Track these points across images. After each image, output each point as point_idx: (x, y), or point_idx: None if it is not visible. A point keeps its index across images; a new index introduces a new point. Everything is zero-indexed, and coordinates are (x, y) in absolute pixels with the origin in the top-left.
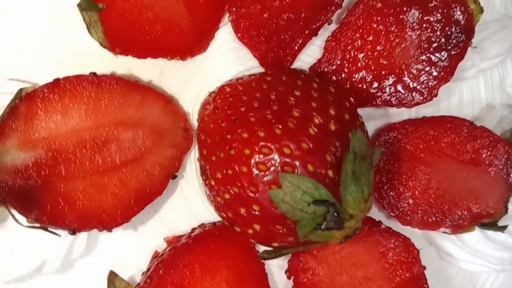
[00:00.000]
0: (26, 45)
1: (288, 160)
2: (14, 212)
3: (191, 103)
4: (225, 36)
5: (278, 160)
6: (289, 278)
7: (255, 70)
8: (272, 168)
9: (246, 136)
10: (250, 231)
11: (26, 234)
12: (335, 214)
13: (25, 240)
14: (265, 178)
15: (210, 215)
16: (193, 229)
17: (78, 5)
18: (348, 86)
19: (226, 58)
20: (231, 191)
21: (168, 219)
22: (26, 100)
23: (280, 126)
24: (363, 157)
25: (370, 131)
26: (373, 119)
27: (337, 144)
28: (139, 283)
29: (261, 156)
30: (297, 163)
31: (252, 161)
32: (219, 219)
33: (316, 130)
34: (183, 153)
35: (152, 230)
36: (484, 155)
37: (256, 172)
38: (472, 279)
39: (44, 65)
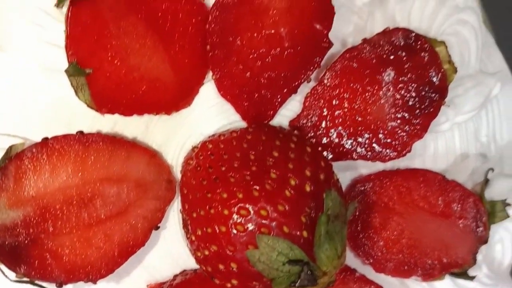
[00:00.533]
0: (16, 99)
1: (264, 222)
2: (3, 266)
3: (175, 156)
4: (209, 91)
5: (255, 222)
6: None
7: (238, 124)
8: (249, 229)
9: (225, 196)
10: (229, 285)
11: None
12: (309, 272)
13: None
14: (243, 239)
15: (191, 262)
16: (175, 276)
17: (66, 71)
18: (325, 141)
19: (210, 113)
20: (211, 249)
21: (151, 267)
22: (15, 160)
23: (257, 188)
24: (337, 216)
25: (346, 181)
26: (349, 169)
27: (312, 205)
28: None
29: (239, 217)
30: (273, 224)
31: (231, 221)
32: None
33: (292, 192)
34: (166, 204)
35: (135, 278)
36: (454, 208)
37: (234, 232)
38: None
39: (32, 119)
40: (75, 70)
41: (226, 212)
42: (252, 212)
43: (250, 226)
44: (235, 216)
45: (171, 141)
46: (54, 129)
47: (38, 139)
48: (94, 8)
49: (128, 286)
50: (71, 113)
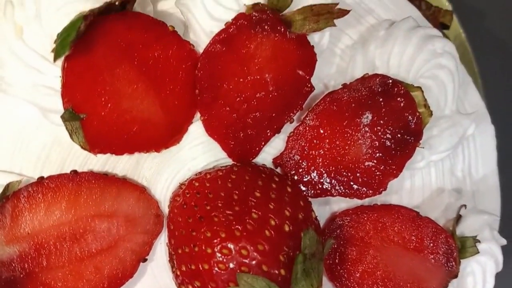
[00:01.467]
0: (14, 138)
1: (245, 261)
2: None
3: (163, 191)
4: (197, 130)
5: (236, 261)
6: None
7: (224, 161)
8: (230, 267)
9: (209, 235)
10: None
11: None
12: None
13: None
14: (224, 277)
15: None
16: None
17: (62, 117)
18: (306, 179)
19: (198, 150)
20: (194, 284)
21: None
22: (13, 199)
23: (239, 228)
24: (313, 254)
25: (326, 214)
26: (329, 203)
27: (290, 244)
28: None
29: (221, 256)
30: (253, 263)
31: (213, 260)
32: None
33: (272, 232)
34: (154, 238)
35: None
36: (427, 244)
37: (216, 270)
38: None
39: (29, 157)
40: (70, 116)
41: (209, 250)
42: (233, 251)
43: (231, 265)
44: (217, 255)
45: (160, 177)
46: (49, 166)
47: (34, 175)
48: (88, 58)
49: None
50: (65, 152)
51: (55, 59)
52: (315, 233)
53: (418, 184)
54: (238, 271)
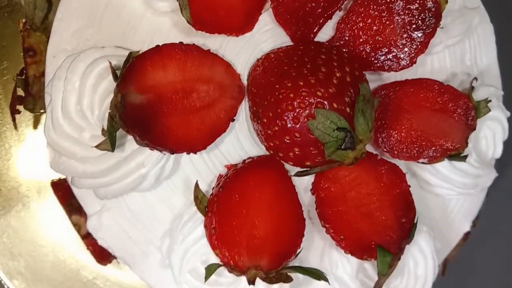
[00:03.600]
0: (124, 25)
1: (320, 100)
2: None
3: (243, 68)
4: (265, 19)
5: (313, 100)
6: (312, 194)
7: (287, 44)
8: (309, 105)
9: (290, 85)
10: (291, 154)
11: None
12: (351, 137)
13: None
14: (304, 113)
15: (255, 151)
16: (244, 160)
17: None
18: (353, 55)
19: (267, 35)
20: (280, 124)
21: (226, 152)
22: (138, 60)
23: (313, 78)
24: (369, 100)
25: (371, 88)
26: (370, 82)
27: (351, 90)
28: (212, 193)
29: (302, 98)
30: (326, 102)
31: (295, 102)
32: (263, 153)
33: (337, 80)
34: (239, 103)
35: (214, 160)
36: (449, 105)
37: (298, 109)
38: (444, 204)
39: (136, 39)
40: None
41: (292, 95)
42: (310, 94)
43: (310, 104)
44: (298, 98)
45: (239, 57)
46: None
47: None
48: None
49: (210, 165)
50: (164, 36)
51: None
52: (367, 86)
53: (436, 67)
54: (315, 107)
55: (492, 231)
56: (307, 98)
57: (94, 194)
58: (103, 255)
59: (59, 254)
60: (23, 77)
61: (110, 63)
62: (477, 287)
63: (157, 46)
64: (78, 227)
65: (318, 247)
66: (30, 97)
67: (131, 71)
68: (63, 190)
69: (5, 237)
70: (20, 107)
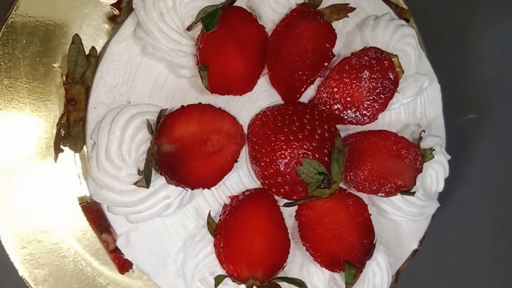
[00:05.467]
0: (152, 84)
1: (305, 151)
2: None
3: (244, 120)
4: (262, 82)
5: (301, 152)
6: (296, 219)
7: (279, 102)
8: (297, 155)
9: (283, 138)
10: (282, 190)
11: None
12: (328, 180)
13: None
14: (294, 161)
15: (252, 185)
16: (244, 192)
17: (199, 67)
18: (329, 111)
19: (264, 95)
20: (274, 168)
21: (229, 186)
22: (169, 117)
23: (301, 134)
24: (341, 151)
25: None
26: (342, 131)
27: (329, 143)
28: (219, 219)
29: (292, 149)
30: (310, 153)
31: (287, 152)
32: (258, 187)
33: (318, 136)
34: (241, 148)
35: (220, 192)
36: (402, 152)
37: (289, 157)
38: (397, 227)
39: (161, 96)
40: (203, 67)
41: (284, 147)
42: (299, 147)
43: (298, 154)
44: (289, 149)
45: (242, 111)
46: (174, 103)
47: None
48: (214, 34)
49: (217, 195)
50: (184, 94)
51: (207, 31)
52: (341, 139)
53: (393, 119)
54: (302, 157)
55: (436, 248)
56: (296, 150)
57: (126, 219)
58: (124, 266)
59: (79, 263)
60: (64, 121)
61: (148, 120)
62: None
63: (182, 106)
64: (106, 243)
65: (298, 261)
66: (70, 137)
67: (163, 126)
68: (93, 213)
69: (32, 249)
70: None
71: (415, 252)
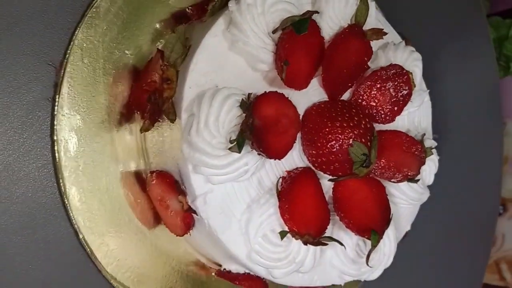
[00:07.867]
0: (233, 74)
1: (356, 136)
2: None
3: (300, 110)
4: (313, 82)
5: (352, 135)
6: (332, 195)
7: (325, 99)
8: (349, 138)
9: (338, 125)
10: (332, 167)
11: None
12: (369, 160)
13: None
14: (346, 143)
15: (301, 164)
16: (296, 168)
17: (284, 62)
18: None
19: (314, 92)
20: (330, 147)
21: (285, 163)
22: (257, 100)
23: (352, 123)
24: (376, 139)
25: None
26: None
27: (370, 133)
28: (282, 187)
29: (345, 134)
30: (358, 138)
31: (342, 135)
32: (306, 165)
33: (363, 125)
34: (297, 132)
35: (278, 168)
36: (411, 148)
37: (342, 140)
38: (398, 210)
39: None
40: (286, 63)
41: (340, 131)
42: (351, 132)
43: (350, 137)
44: (342, 134)
45: (299, 102)
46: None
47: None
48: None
49: (275, 169)
50: (259, 85)
51: (299, 33)
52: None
53: (399, 124)
54: (352, 139)
55: (421, 232)
56: (349, 134)
57: (207, 181)
58: (188, 227)
59: None
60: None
61: (242, 99)
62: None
63: (265, 92)
64: (181, 204)
65: (329, 230)
66: (161, 112)
67: (254, 106)
68: (169, 178)
69: None
70: None
71: (406, 233)
